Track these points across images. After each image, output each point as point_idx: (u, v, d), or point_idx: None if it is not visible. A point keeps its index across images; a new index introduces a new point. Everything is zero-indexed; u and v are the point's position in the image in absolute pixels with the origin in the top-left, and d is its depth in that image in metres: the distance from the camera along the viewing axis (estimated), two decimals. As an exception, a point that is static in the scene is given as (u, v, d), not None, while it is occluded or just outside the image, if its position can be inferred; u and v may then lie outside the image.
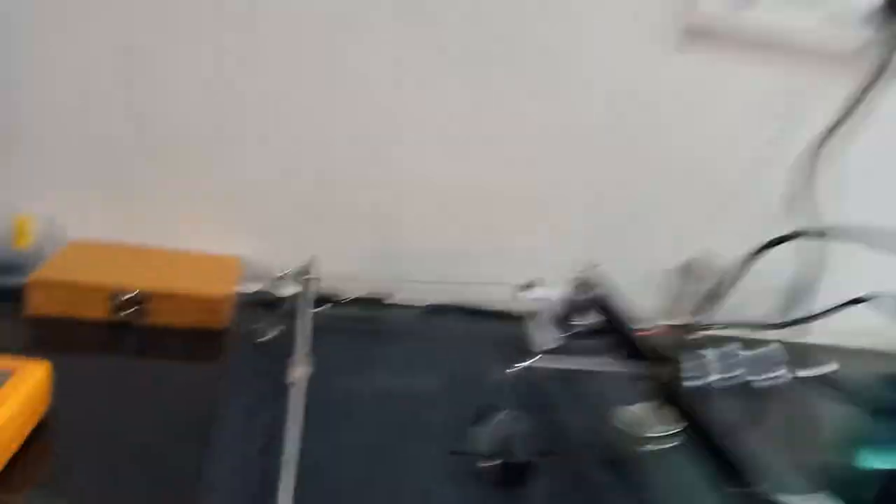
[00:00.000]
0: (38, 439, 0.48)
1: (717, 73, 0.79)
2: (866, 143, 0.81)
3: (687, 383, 0.55)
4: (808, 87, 0.80)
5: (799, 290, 0.86)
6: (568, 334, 0.70)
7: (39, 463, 0.47)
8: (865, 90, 0.78)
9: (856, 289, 0.78)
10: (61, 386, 0.52)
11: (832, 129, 0.80)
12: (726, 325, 0.81)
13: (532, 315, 0.70)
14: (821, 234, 0.80)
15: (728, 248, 0.82)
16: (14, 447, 0.46)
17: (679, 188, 0.83)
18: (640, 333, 0.60)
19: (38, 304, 0.65)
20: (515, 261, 0.77)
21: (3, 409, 0.44)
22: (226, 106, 0.73)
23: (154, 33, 0.70)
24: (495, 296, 0.79)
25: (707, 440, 0.47)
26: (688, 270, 0.58)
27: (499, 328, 0.75)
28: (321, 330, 0.65)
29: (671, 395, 0.53)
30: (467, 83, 0.75)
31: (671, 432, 0.55)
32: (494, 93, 0.76)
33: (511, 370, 0.52)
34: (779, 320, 0.84)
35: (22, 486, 0.44)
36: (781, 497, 0.42)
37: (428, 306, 0.79)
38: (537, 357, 0.63)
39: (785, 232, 0.79)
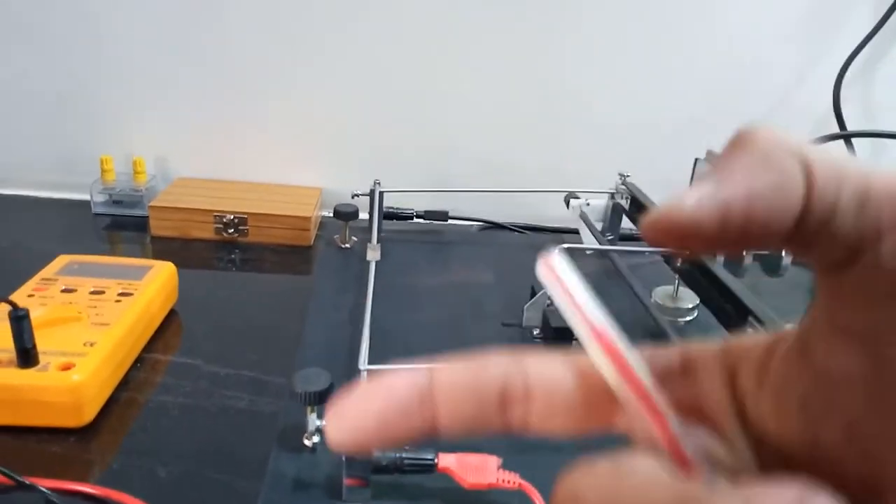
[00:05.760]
0: (171, 321, 0.61)
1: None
2: None
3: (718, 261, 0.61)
4: None
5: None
6: (610, 237, 0.78)
7: (175, 336, 0.60)
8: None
9: None
10: (182, 288, 0.64)
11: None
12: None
13: (579, 220, 0.78)
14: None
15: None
16: (157, 321, 0.58)
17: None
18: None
19: (157, 227, 0.78)
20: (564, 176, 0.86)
21: (150, 287, 0.57)
22: (299, 62, 0.84)
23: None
24: (546, 212, 0.88)
25: (730, 305, 0.55)
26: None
27: (549, 238, 0.83)
28: (388, 241, 0.75)
29: (703, 272, 0.60)
30: (510, 23, 0.83)
31: (694, 305, 0.63)
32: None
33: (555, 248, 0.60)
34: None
35: (166, 350, 0.57)
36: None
37: (483, 224, 0.89)
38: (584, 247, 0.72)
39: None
